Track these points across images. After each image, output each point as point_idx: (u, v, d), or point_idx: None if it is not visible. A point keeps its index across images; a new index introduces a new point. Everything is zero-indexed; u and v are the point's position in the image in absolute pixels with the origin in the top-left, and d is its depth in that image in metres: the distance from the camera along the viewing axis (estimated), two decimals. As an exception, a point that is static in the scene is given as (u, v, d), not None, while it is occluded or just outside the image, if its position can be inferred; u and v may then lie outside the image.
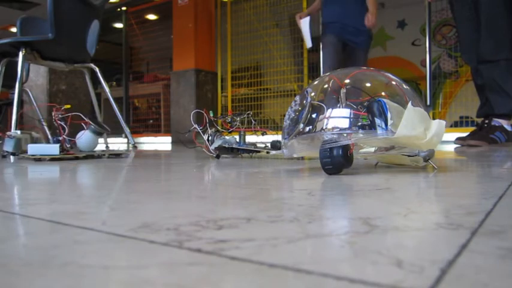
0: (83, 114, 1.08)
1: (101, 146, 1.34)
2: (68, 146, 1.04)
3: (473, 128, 1.76)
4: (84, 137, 1.10)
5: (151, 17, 4.62)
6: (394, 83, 0.60)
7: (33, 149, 0.99)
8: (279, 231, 0.24)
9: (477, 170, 0.68)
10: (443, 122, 0.55)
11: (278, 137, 1.05)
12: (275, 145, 1.05)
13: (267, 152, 1.05)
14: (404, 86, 0.59)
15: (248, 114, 1.08)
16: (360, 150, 0.64)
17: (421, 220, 0.27)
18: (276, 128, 3.01)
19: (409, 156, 0.61)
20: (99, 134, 1.14)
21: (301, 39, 3.19)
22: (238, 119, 1.06)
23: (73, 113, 1.05)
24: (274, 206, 0.32)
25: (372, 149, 0.64)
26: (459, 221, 0.26)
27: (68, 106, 1.07)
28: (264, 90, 3.42)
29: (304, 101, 0.58)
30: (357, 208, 0.32)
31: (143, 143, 3.82)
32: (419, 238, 0.23)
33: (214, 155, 1.03)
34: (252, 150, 1.07)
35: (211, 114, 1.04)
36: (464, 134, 1.70)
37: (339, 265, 0.18)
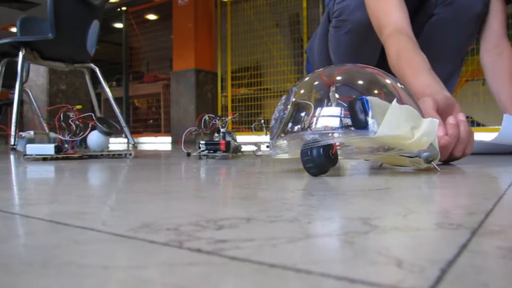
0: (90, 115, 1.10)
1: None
2: (67, 146, 1.04)
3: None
4: (93, 137, 1.14)
5: (151, 17, 4.62)
6: (388, 81, 0.57)
7: (30, 149, 0.99)
8: (278, 231, 0.24)
9: (478, 170, 0.68)
10: (436, 121, 0.51)
11: (212, 137, 1.07)
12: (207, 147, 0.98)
13: (212, 153, 0.99)
14: (399, 85, 0.57)
15: (235, 115, 1.10)
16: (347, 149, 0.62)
17: (421, 220, 0.27)
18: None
19: (409, 157, 0.58)
20: (107, 134, 1.15)
21: (301, 39, 3.19)
22: (218, 121, 1.06)
23: (86, 114, 1.09)
24: (274, 206, 0.32)
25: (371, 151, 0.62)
26: (459, 221, 0.26)
27: (79, 107, 1.10)
28: (264, 90, 3.42)
29: (288, 101, 0.56)
30: (356, 208, 0.32)
31: (143, 143, 3.82)
32: (419, 238, 0.23)
33: (186, 152, 1.09)
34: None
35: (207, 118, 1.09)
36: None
37: (339, 265, 0.18)
